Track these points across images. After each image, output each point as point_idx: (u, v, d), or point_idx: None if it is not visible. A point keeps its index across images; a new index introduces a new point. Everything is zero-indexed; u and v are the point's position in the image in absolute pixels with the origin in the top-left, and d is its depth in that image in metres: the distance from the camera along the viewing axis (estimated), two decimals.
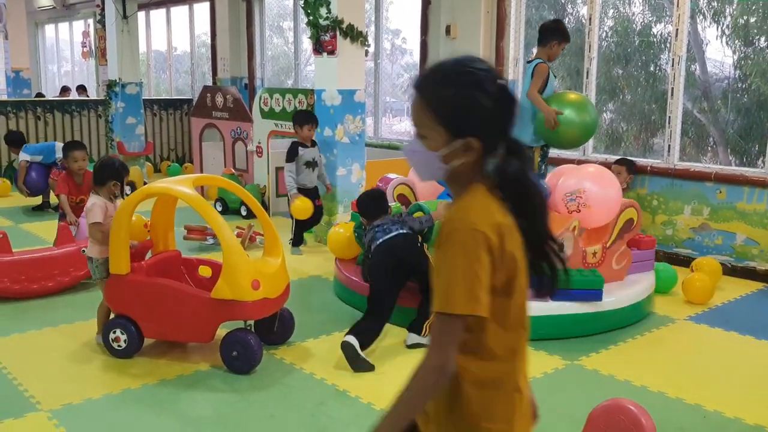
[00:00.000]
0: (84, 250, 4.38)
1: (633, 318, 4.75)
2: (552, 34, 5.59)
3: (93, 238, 4.17)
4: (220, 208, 8.14)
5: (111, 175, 4.27)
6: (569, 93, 5.45)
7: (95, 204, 4.18)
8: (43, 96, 14.84)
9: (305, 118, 6.52)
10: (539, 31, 5.75)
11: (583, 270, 4.63)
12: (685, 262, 6.15)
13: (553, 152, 7.65)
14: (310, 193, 6.43)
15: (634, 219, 4.96)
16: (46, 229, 6.75)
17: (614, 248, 4.88)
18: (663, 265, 5.44)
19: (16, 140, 8.89)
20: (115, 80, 10.76)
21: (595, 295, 4.49)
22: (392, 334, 4.53)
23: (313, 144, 6.53)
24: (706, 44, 6.88)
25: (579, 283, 4.45)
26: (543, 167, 5.67)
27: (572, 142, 5.52)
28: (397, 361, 4.12)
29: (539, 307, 4.29)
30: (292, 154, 6.37)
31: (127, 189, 4.31)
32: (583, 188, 4.72)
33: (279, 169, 8.39)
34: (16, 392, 3.69)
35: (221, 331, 3.99)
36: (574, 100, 5.46)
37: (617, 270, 4.90)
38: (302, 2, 6.70)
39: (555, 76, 5.69)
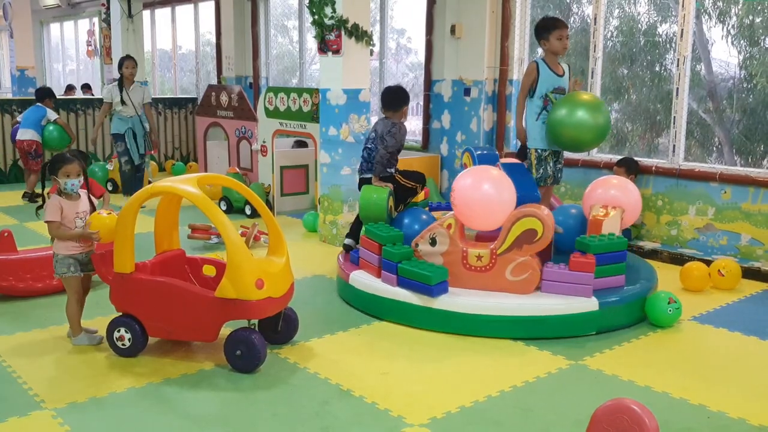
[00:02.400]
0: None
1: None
2: (540, 31, 5.31)
3: (51, 235, 4.19)
4: (224, 207, 8.16)
5: (49, 171, 4.21)
6: (582, 93, 5.14)
7: (49, 203, 4.17)
8: None
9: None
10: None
11: (428, 264, 4.61)
12: (690, 262, 6.14)
13: None
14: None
15: (537, 231, 4.49)
16: None
17: (508, 257, 4.55)
18: (663, 293, 4.76)
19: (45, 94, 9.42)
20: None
21: (426, 289, 4.49)
22: (395, 334, 4.53)
23: None
24: (712, 44, 6.87)
25: (410, 273, 4.56)
26: (541, 170, 5.25)
27: (584, 144, 5.17)
28: (401, 362, 4.12)
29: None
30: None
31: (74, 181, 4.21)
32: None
33: (284, 168, 8.41)
34: (20, 390, 3.70)
35: (225, 330, 3.99)
36: (587, 102, 5.05)
37: (513, 282, 4.55)
38: (307, 1, 6.70)
39: (558, 73, 5.28)
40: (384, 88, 6.04)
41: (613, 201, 5.10)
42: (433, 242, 4.71)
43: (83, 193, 4.30)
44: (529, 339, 4.42)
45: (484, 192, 4.56)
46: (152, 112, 8.80)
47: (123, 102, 8.40)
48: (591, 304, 4.50)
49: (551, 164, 5.29)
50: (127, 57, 8.57)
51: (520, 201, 4.73)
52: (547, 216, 4.54)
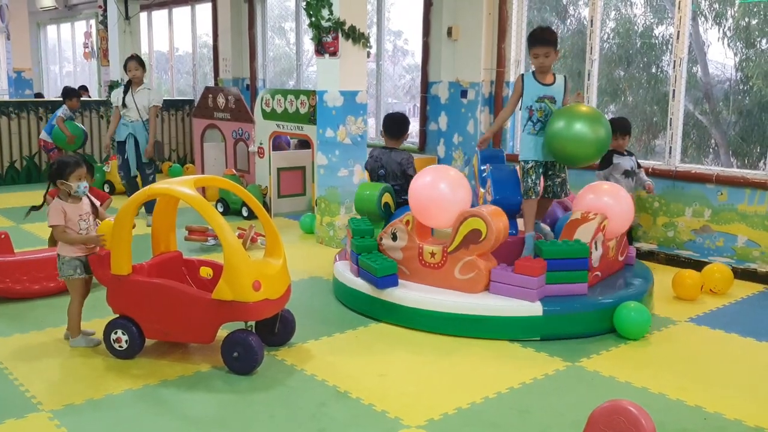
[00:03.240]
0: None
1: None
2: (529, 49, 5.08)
3: (57, 238, 4.21)
4: (221, 209, 8.15)
5: (54, 176, 4.23)
6: (581, 105, 4.84)
7: (52, 206, 4.18)
8: (42, 96, 14.86)
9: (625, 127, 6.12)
10: None
11: (382, 257, 4.81)
12: (686, 264, 6.15)
13: None
14: None
15: (481, 231, 4.50)
16: (48, 229, 6.73)
17: (457, 255, 4.60)
18: (636, 306, 4.54)
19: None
20: (117, 81, 10.79)
21: (374, 280, 4.71)
22: (392, 336, 4.53)
23: (629, 153, 6.18)
24: (708, 46, 6.89)
25: (365, 265, 4.80)
26: (525, 182, 4.88)
27: (582, 158, 4.81)
28: (398, 364, 4.13)
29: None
30: (606, 162, 5.91)
31: (79, 184, 4.22)
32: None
33: (281, 170, 8.41)
34: (17, 392, 3.70)
35: (222, 332, 3.99)
36: (585, 114, 4.70)
37: (461, 280, 4.59)
38: (304, 3, 6.71)
39: (545, 83, 4.91)
40: (386, 115, 5.97)
41: (602, 208, 4.93)
42: (393, 237, 4.89)
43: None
44: (470, 338, 4.45)
45: (439, 191, 4.69)
46: (156, 116, 7.87)
47: (124, 104, 7.67)
48: (534, 309, 4.41)
49: (535, 177, 4.90)
50: (131, 58, 7.84)
51: (497, 204, 4.82)
52: (490, 216, 4.50)
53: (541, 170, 4.92)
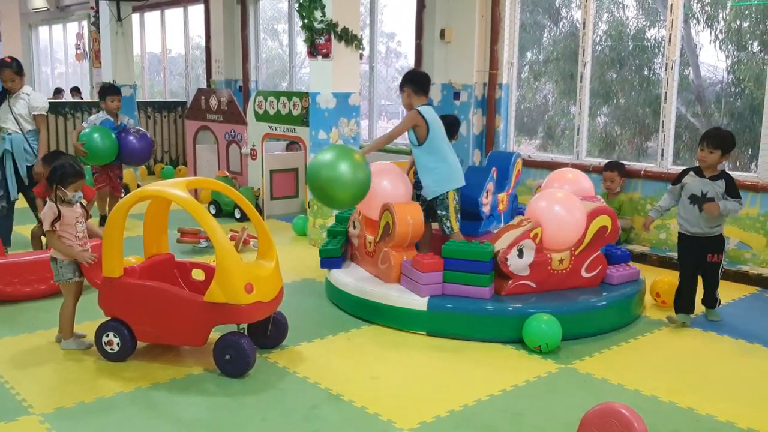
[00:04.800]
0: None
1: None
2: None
3: (50, 244, 4.17)
4: (213, 211, 8.13)
5: (53, 179, 4.18)
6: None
7: (46, 213, 4.14)
8: None
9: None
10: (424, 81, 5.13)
11: (335, 243, 5.33)
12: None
13: (547, 156, 7.72)
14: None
15: (390, 224, 4.76)
16: (28, 228, 6.70)
17: (380, 246, 4.96)
18: (549, 319, 4.29)
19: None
20: (109, 82, 10.75)
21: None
22: (385, 338, 4.53)
23: (719, 176, 4.71)
24: (700, 49, 6.90)
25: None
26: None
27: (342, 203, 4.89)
28: (391, 366, 4.12)
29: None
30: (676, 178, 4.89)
31: (72, 194, 4.21)
32: None
33: (273, 172, 8.40)
34: (8, 396, 3.68)
35: (214, 335, 3.98)
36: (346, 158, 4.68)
37: (380, 270, 4.94)
38: (297, 5, 6.70)
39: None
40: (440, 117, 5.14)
41: (547, 217, 4.72)
42: (354, 226, 5.37)
43: None
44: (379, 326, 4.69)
45: (381, 186, 4.96)
46: (45, 125, 6.44)
47: None
48: (420, 303, 4.52)
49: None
50: (5, 65, 6.39)
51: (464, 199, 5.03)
52: (396, 211, 4.71)
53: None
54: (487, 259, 4.47)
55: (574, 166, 7.17)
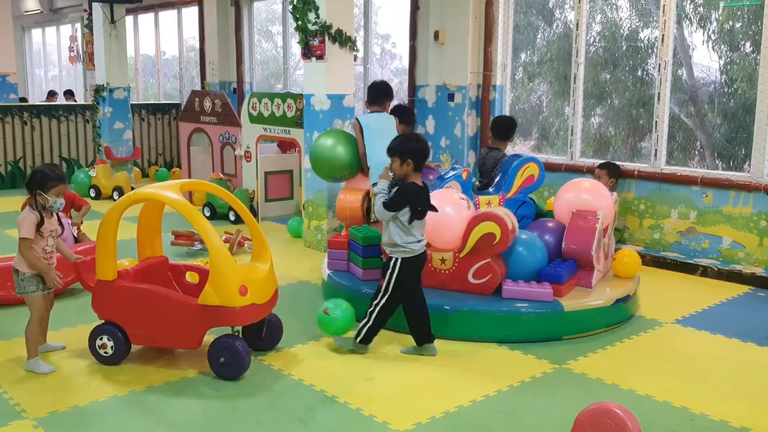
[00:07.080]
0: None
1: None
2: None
3: (22, 253, 3.90)
4: (208, 214, 8.12)
5: (33, 185, 3.94)
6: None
7: (25, 218, 3.89)
8: (26, 101, 14.75)
9: None
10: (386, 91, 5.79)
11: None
12: (672, 265, 6.19)
13: (541, 156, 7.71)
14: None
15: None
16: None
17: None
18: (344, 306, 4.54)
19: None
20: (103, 85, 10.73)
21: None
22: (380, 339, 4.52)
23: None
24: (693, 49, 6.92)
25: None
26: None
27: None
28: (386, 368, 4.12)
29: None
30: None
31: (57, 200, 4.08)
32: None
33: (268, 174, 8.39)
34: (1, 400, 3.66)
35: (209, 338, 3.97)
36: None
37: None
38: (291, 7, 6.70)
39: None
40: (497, 117, 5.77)
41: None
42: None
43: None
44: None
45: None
46: None
47: None
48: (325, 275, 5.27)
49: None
50: None
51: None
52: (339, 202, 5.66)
53: None
54: (362, 244, 5.02)
55: (567, 166, 7.20)
